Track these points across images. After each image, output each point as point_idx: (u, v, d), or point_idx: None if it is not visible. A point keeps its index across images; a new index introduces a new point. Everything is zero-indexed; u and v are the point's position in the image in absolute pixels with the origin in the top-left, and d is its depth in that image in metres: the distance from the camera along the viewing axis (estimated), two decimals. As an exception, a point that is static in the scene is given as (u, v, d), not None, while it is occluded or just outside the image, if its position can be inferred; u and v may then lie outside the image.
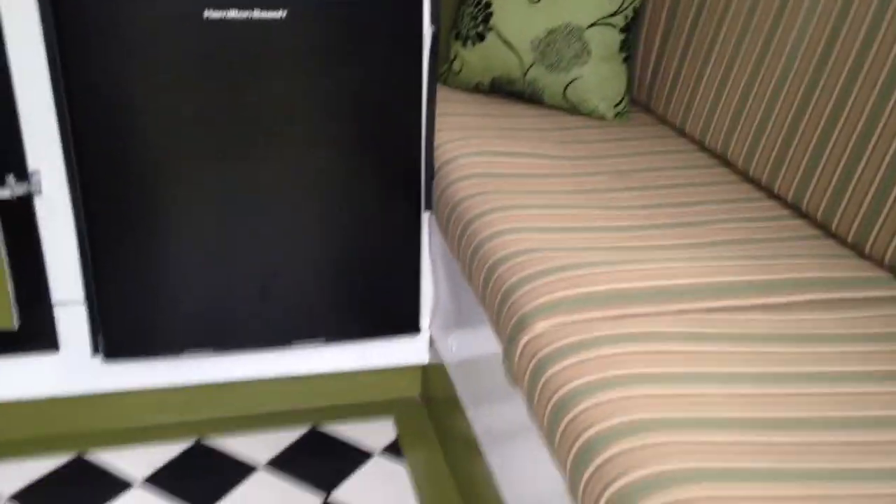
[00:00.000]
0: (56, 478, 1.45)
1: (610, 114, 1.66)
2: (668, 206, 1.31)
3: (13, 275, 1.35)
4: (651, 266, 1.12)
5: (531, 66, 1.67)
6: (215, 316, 1.44)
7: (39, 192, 1.32)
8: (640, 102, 1.74)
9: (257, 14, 1.27)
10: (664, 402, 0.85)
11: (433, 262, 1.54)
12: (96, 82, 1.26)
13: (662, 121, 1.66)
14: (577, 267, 1.10)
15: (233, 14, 1.26)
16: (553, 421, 0.88)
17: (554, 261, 1.12)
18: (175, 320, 1.43)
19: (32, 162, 1.31)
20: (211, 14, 1.25)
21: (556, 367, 0.92)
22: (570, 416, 0.85)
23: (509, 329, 1.05)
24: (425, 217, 1.50)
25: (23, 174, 1.30)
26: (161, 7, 1.24)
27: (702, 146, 1.53)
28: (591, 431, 0.81)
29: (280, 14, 1.28)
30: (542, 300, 1.04)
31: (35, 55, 1.25)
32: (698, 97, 1.53)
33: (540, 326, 1.01)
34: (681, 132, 1.60)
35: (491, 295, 1.14)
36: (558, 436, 0.86)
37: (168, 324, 1.43)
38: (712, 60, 1.51)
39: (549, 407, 0.89)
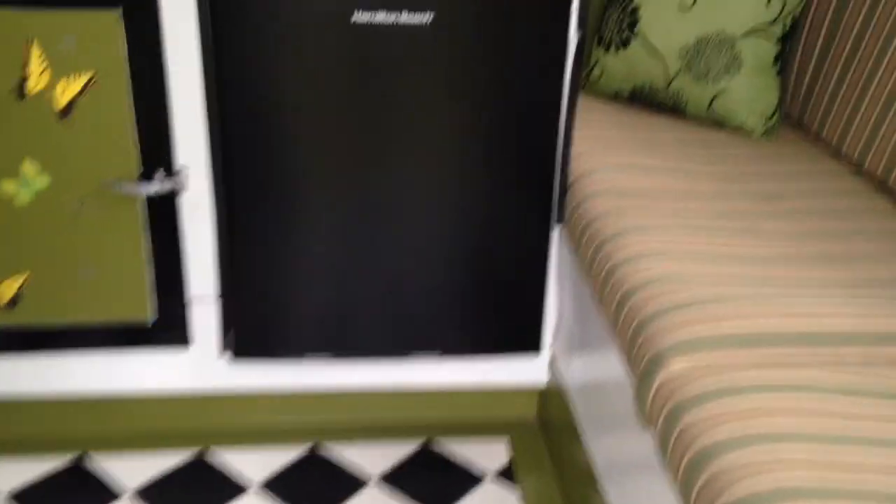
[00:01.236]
0: (178, 475, 1.47)
1: (759, 129, 1.57)
2: (820, 237, 1.21)
3: (152, 268, 1.38)
4: (800, 305, 1.03)
5: (676, 75, 1.59)
6: (338, 322, 1.44)
7: (185, 188, 1.34)
8: (791, 119, 1.63)
9: (404, 17, 1.25)
10: (815, 467, 0.78)
11: (560, 279, 1.49)
12: (245, 81, 1.28)
13: (816, 140, 1.55)
14: (719, 301, 1.03)
15: (380, 17, 1.25)
16: (689, 476, 0.82)
17: (694, 292, 1.05)
18: (300, 323, 1.44)
19: (181, 158, 1.34)
20: (359, 17, 1.24)
21: (695, 415, 0.86)
22: (709, 473, 0.79)
23: (643, 364, 0.99)
24: (556, 231, 1.45)
25: (170, 170, 1.33)
26: (311, 9, 1.24)
27: (859, 170, 1.42)
28: (732, 495, 0.75)
29: (426, 18, 1.25)
30: (679, 336, 0.98)
31: (190, 54, 1.28)
32: (859, 116, 1.42)
33: (677, 366, 0.95)
34: (836, 153, 1.48)
35: (624, 324, 1.09)
36: (695, 493, 0.80)
37: (293, 326, 1.44)
38: (878, 78, 1.39)
39: (686, 460, 0.83)
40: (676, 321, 1.00)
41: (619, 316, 1.11)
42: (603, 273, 1.19)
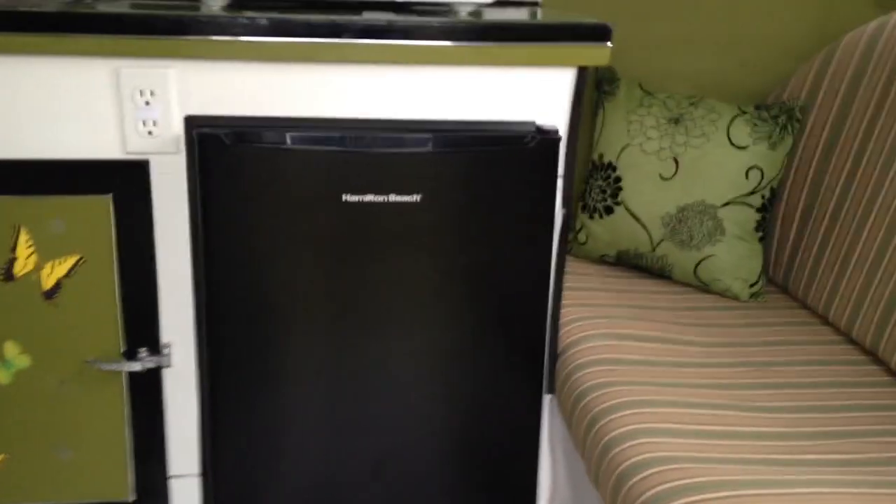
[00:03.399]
0: None
1: (744, 294, 1.58)
2: (817, 411, 1.20)
3: (133, 446, 1.34)
4: (804, 489, 1.00)
5: (661, 241, 1.61)
6: (325, 498, 1.39)
7: (169, 364, 1.32)
8: (776, 283, 1.65)
9: (393, 198, 1.27)
10: None
11: (553, 450, 1.46)
12: (234, 258, 1.28)
13: (803, 305, 1.56)
14: (719, 486, 1.00)
15: (369, 198, 1.27)
16: None
17: (694, 476, 1.02)
18: (285, 500, 1.39)
19: (165, 334, 1.32)
20: (349, 197, 1.26)
21: None
22: None
23: (644, 558, 0.95)
24: (547, 401, 1.43)
25: (155, 347, 1.31)
26: (303, 190, 1.26)
27: (848, 338, 1.42)
28: None
29: (415, 198, 1.28)
30: (681, 527, 0.94)
31: (179, 235, 1.29)
32: (843, 284, 1.43)
33: (681, 561, 0.91)
34: (824, 320, 1.49)
35: (622, 510, 1.05)
36: None
37: (277, 502, 1.39)
38: (860, 245, 1.41)
39: None
40: (677, 510, 0.97)
41: (615, 500, 1.07)
42: (597, 451, 1.16)
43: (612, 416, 1.18)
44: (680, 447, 1.09)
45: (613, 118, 1.68)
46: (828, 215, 1.51)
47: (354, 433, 1.37)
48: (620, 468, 1.09)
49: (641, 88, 1.69)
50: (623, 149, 1.65)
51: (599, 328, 1.42)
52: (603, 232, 1.68)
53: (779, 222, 1.64)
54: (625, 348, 1.36)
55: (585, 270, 1.68)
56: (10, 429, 1.31)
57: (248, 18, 1.21)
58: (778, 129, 1.58)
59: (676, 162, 1.60)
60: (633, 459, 1.08)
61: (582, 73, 1.32)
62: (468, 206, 1.31)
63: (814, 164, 1.58)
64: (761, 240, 1.60)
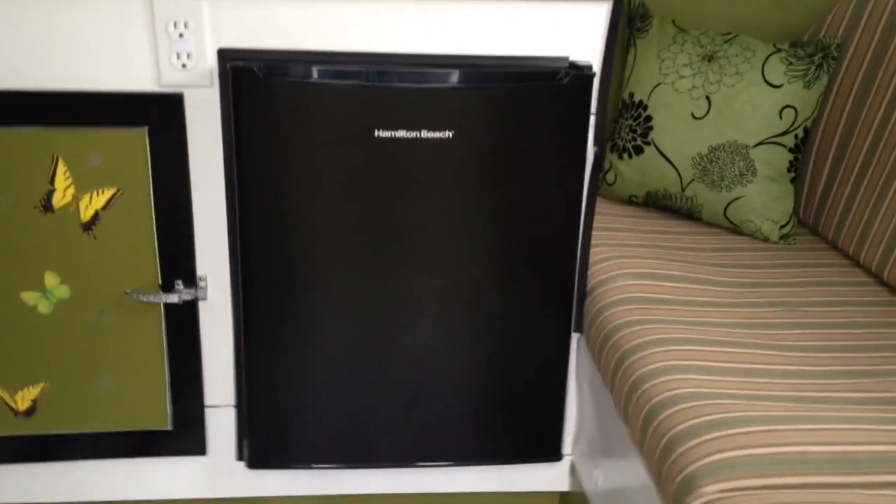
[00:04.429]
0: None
1: (774, 236, 1.57)
2: (847, 350, 1.21)
3: (170, 376, 1.38)
4: (834, 425, 1.02)
5: (690, 182, 1.60)
6: (355, 431, 1.43)
7: (205, 297, 1.35)
8: (807, 225, 1.64)
9: (425, 134, 1.27)
10: None
11: (580, 386, 1.48)
12: (267, 193, 1.29)
13: (834, 247, 1.55)
14: (749, 421, 1.02)
15: (401, 133, 1.27)
16: None
17: (723, 411, 1.04)
18: (316, 432, 1.42)
19: (201, 268, 1.34)
20: (381, 133, 1.26)
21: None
22: None
23: (674, 488, 0.97)
24: (574, 339, 1.45)
25: (191, 280, 1.34)
26: (335, 125, 1.26)
27: (879, 279, 1.42)
28: None
29: (447, 134, 1.27)
30: (712, 459, 0.96)
31: (213, 168, 1.30)
32: (875, 226, 1.43)
33: (711, 492, 0.93)
34: (854, 262, 1.48)
35: (651, 443, 1.07)
36: None
37: (309, 435, 1.43)
38: (893, 187, 1.40)
39: None
40: (708, 442, 0.99)
41: (645, 434, 1.09)
42: (626, 387, 1.17)
43: (642, 354, 1.19)
44: (709, 384, 1.10)
45: (645, 56, 1.66)
46: (861, 157, 1.50)
47: (385, 368, 1.40)
48: (650, 404, 1.11)
49: (675, 25, 1.66)
50: (654, 87, 1.63)
51: (628, 268, 1.42)
52: (632, 172, 1.67)
53: (811, 163, 1.62)
54: (653, 288, 1.36)
55: (614, 211, 1.68)
56: (52, 358, 1.35)
57: None
58: (814, 68, 1.56)
59: (709, 100, 1.58)
60: (663, 395, 1.10)
61: (617, 6, 1.30)
62: (500, 143, 1.31)
63: (849, 104, 1.55)
64: (793, 181, 1.59)
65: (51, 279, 1.31)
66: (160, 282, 1.33)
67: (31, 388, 1.36)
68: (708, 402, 1.05)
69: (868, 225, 1.44)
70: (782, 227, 1.57)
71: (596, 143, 1.36)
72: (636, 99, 1.66)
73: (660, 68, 1.64)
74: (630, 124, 1.67)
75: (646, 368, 1.16)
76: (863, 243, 1.45)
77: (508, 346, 1.41)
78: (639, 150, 1.65)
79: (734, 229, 1.61)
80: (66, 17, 1.21)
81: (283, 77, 1.25)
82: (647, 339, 1.22)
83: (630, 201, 1.72)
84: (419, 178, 1.31)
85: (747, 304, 1.33)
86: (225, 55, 1.25)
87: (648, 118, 1.64)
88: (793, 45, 1.58)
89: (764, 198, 1.56)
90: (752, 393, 1.08)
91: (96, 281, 1.31)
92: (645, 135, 1.64)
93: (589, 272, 1.44)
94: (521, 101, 1.30)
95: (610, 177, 1.71)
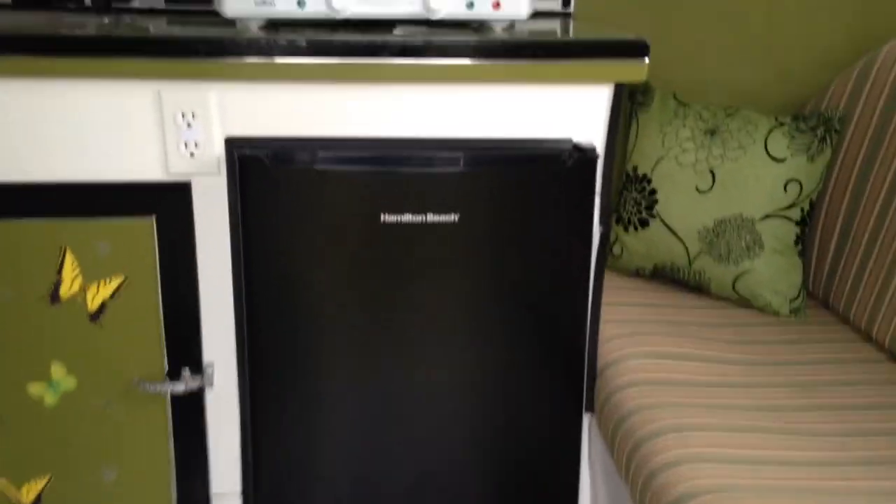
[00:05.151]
0: None
1: (784, 309, 1.56)
2: (867, 435, 1.18)
3: (176, 465, 1.36)
4: (855, 519, 0.99)
5: (698, 255, 1.60)
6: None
7: (211, 385, 1.33)
8: (816, 297, 1.63)
9: (431, 218, 1.27)
10: None
11: (592, 469, 1.45)
12: (274, 278, 1.29)
13: (844, 320, 1.54)
14: (769, 516, 0.99)
15: (407, 217, 1.27)
16: None
17: (743, 504, 1.02)
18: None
19: (207, 355, 1.33)
20: (387, 217, 1.26)
21: None
22: None
23: (695, 589, 0.95)
24: (586, 418, 1.43)
25: (197, 367, 1.32)
26: (341, 210, 1.26)
27: (892, 355, 1.40)
28: None
29: (453, 217, 1.28)
30: (732, 558, 0.94)
31: (221, 254, 1.30)
32: (886, 300, 1.41)
33: None
34: (867, 336, 1.47)
35: (670, 537, 1.04)
36: None
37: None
38: (901, 259, 1.40)
39: None
40: (726, 539, 0.96)
41: (663, 527, 1.07)
42: (641, 480, 1.15)
43: (656, 441, 1.17)
44: (729, 474, 1.08)
45: (647, 129, 1.67)
46: (869, 228, 1.49)
47: (393, 454, 1.38)
48: (668, 498, 1.08)
49: (676, 99, 1.68)
50: (658, 161, 1.64)
51: (638, 346, 1.41)
52: (638, 245, 1.67)
53: (818, 235, 1.62)
54: (665, 367, 1.35)
55: (621, 284, 1.67)
56: (57, 450, 1.33)
57: (287, 40, 1.22)
58: (816, 141, 1.56)
59: (713, 174, 1.58)
60: (681, 489, 1.08)
61: (619, 89, 1.32)
62: (506, 225, 1.31)
63: (854, 175, 1.56)
64: (801, 254, 1.58)
65: (57, 370, 1.30)
66: (166, 369, 1.32)
67: (36, 481, 1.34)
68: (728, 495, 1.03)
69: (879, 298, 1.43)
70: (792, 300, 1.56)
71: (601, 222, 1.36)
72: (640, 172, 1.67)
73: (663, 142, 1.64)
74: (635, 197, 1.67)
75: (660, 457, 1.14)
76: (874, 318, 1.43)
77: (519, 428, 1.39)
78: (644, 223, 1.65)
79: (744, 303, 1.60)
80: (74, 108, 1.22)
81: (290, 164, 1.25)
82: (661, 424, 1.20)
83: (637, 273, 1.71)
84: (425, 261, 1.31)
85: (761, 384, 1.31)
86: (232, 143, 1.26)
87: (653, 191, 1.65)
88: (794, 118, 1.59)
89: (772, 271, 1.56)
90: (773, 484, 1.06)
91: (102, 371, 1.30)
92: (650, 208, 1.64)
93: (599, 351, 1.43)
94: (525, 184, 1.30)
95: (616, 249, 1.71)
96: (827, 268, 1.59)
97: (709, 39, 1.76)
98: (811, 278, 1.64)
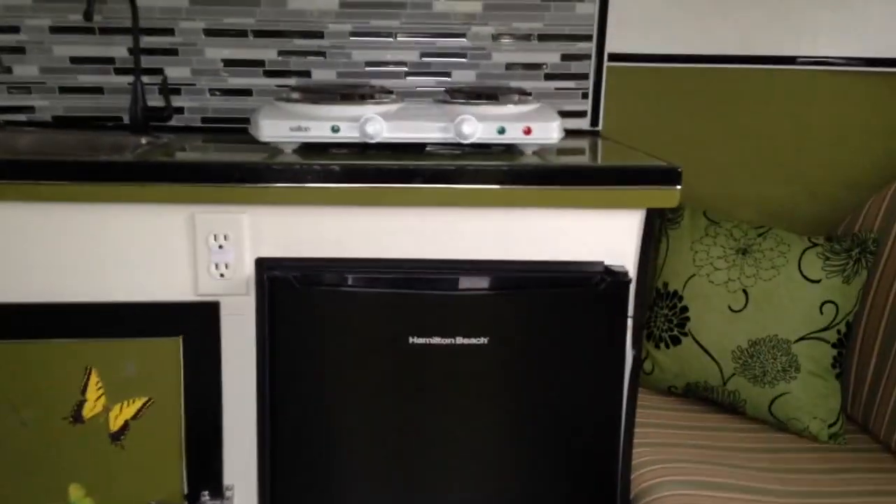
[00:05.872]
0: None
1: (823, 435, 1.51)
2: (914, 579, 1.12)
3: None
4: None
5: (732, 376, 1.56)
6: None
7: (230, 509, 1.31)
8: (856, 421, 1.58)
9: (460, 340, 1.26)
10: None
11: None
12: (299, 398, 1.27)
13: (886, 447, 1.48)
14: None
15: (436, 340, 1.25)
16: None
17: None
18: None
19: (227, 476, 1.30)
20: (415, 340, 1.25)
21: None
22: None
23: None
24: (620, 551, 1.37)
25: (217, 490, 1.29)
26: (370, 332, 1.25)
27: (940, 488, 1.34)
28: None
29: (483, 340, 1.26)
30: None
31: (245, 376, 1.29)
32: (930, 428, 1.36)
33: None
34: (911, 466, 1.41)
35: None
36: None
37: None
38: (944, 386, 1.35)
39: None
40: None
41: None
42: None
43: (693, 579, 1.12)
44: None
45: (678, 247, 1.66)
46: (909, 353, 1.45)
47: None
48: None
49: (706, 217, 1.67)
50: (689, 278, 1.62)
51: (673, 474, 1.36)
52: (670, 363, 1.63)
53: (856, 358, 1.58)
54: (702, 499, 1.30)
55: (653, 403, 1.63)
56: (71, 575, 1.29)
57: (320, 165, 1.23)
58: (852, 262, 1.54)
59: (746, 294, 1.56)
60: None
61: (651, 213, 1.31)
62: (536, 348, 1.29)
63: (891, 296, 1.53)
64: (838, 376, 1.54)
65: (75, 491, 1.27)
66: (185, 492, 1.29)
67: None
68: None
69: (923, 428, 1.38)
70: (831, 425, 1.51)
71: (634, 345, 1.33)
72: (671, 289, 1.64)
73: (693, 259, 1.63)
74: (665, 314, 1.65)
75: None
76: (919, 448, 1.38)
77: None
78: (676, 341, 1.62)
79: (780, 426, 1.55)
80: (109, 232, 1.24)
81: (318, 286, 1.25)
82: (699, 563, 1.15)
83: (669, 392, 1.67)
84: (454, 384, 1.28)
85: (802, 519, 1.25)
86: (262, 264, 1.26)
87: (685, 308, 1.62)
88: (828, 239, 1.57)
89: (810, 394, 1.51)
90: None
91: (120, 493, 1.28)
92: (682, 325, 1.61)
93: (632, 477, 1.38)
94: (556, 307, 1.28)
95: (647, 366, 1.67)
96: (866, 391, 1.55)
97: (739, 156, 1.77)
98: (849, 402, 1.59)
